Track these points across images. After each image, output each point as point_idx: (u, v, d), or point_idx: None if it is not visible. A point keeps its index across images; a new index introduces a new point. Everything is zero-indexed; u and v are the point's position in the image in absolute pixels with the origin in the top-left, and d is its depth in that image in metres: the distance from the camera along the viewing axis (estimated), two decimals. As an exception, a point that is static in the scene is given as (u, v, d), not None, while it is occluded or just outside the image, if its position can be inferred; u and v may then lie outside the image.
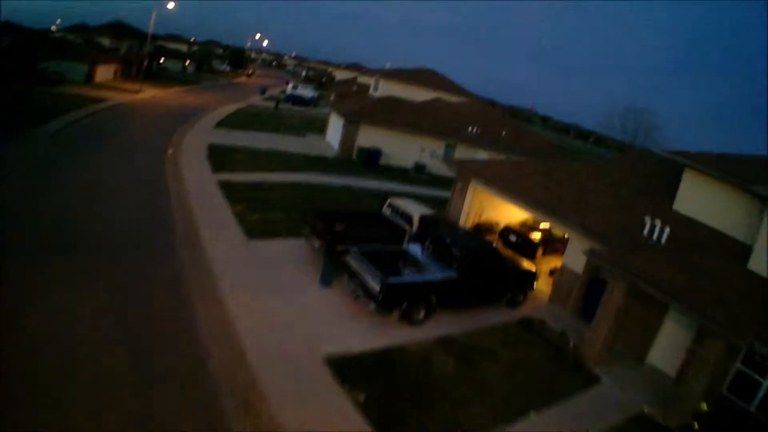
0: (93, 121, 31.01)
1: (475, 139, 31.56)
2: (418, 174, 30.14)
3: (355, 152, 30.01)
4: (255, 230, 15.95)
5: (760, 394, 10.81)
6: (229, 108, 45.70)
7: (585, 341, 12.60)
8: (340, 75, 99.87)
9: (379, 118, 30.16)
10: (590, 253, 12.51)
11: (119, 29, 71.26)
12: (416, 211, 16.44)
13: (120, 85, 50.65)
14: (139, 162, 22.62)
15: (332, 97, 54.12)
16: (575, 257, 14.92)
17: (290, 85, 69.36)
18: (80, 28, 75.14)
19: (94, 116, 32.65)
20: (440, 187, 27.43)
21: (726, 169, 13.77)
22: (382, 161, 30.17)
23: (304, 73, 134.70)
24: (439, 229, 14.40)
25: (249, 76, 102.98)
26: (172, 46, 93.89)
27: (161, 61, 71.38)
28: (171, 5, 48.45)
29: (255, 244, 15.04)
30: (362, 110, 30.81)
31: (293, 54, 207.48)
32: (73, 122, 29.84)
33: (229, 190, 19.65)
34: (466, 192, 19.27)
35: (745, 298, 10.89)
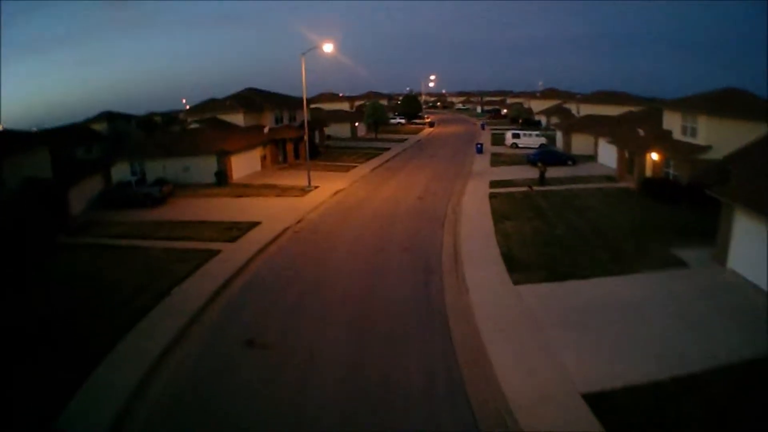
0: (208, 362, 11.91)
1: None
2: None
3: None
4: None
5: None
6: (472, 196, 27.62)
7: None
8: (536, 105, 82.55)
9: None
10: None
11: (253, 98, 44.14)
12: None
13: (273, 180, 33.35)
14: None
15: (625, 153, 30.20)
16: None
17: (510, 134, 51.01)
18: (206, 105, 44.55)
19: (216, 321, 14.24)
20: None
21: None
22: None
23: (479, 110, 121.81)
24: None
25: (432, 125, 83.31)
26: (328, 106, 77.35)
27: (324, 129, 54.90)
28: (328, 47, 29.91)
29: None
30: None
31: (443, 90, 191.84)
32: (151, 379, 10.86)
33: None
34: None
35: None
